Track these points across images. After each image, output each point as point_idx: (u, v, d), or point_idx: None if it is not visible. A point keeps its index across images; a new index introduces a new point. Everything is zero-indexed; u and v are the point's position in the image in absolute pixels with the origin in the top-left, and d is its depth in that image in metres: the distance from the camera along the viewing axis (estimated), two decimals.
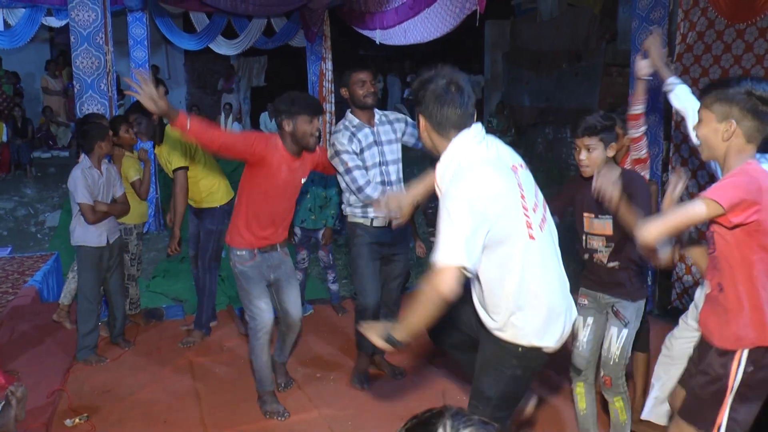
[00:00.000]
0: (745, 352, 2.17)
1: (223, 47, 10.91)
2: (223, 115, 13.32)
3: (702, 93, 2.27)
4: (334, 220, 5.06)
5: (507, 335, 2.24)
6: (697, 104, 2.37)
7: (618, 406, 3.06)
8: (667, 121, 5.30)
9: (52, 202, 9.29)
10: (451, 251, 2.03)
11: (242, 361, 4.31)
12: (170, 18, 10.20)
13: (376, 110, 3.83)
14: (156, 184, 8.55)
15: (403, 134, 3.89)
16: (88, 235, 4.30)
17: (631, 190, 2.65)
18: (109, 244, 4.39)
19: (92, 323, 4.36)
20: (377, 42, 7.96)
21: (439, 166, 2.22)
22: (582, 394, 3.15)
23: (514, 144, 11.75)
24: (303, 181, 3.56)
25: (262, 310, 3.55)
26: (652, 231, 2.13)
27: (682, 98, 3.10)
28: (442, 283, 2.03)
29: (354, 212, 3.80)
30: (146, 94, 3.03)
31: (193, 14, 10.21)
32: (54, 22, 9.92)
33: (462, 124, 2.19)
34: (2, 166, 10.69)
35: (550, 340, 2.26)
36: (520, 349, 2.24)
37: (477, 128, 2.21)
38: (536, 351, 2.25)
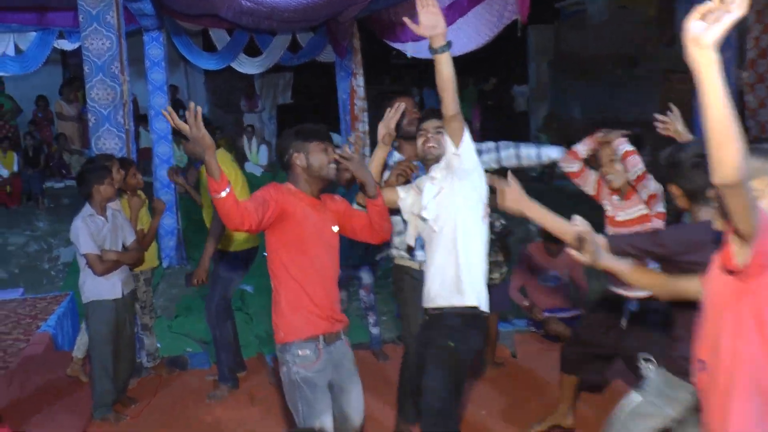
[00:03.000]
0: None
1: (245, 66, 10.89)
2: (245, 138, 13.28)
3: None
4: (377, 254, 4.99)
5: None
6: None
7: None
8: None
9: (67, 236, 9.25)
10: None
11: (275, 414, 4.21)
12: (188, 36, 10.27)
13: None
14: (177, 215, 8.55)
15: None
16: (100, 287, 4.21)
17: None
18: (123, 296, 4.31)
19: (109, 383, 4.26)
20: (408, 56, 7.93)
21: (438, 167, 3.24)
22: None
23: None
24: (335, 230, 3.13)
25: None
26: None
27: None
28: None
29: (401, 254, 3.76)
30: (192, 133, 2.65)
31: (212, 31, 10.28)
32: (66, 45, 10.04)
33: None
34: (13, 197, 10.68)
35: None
36: None
37: None
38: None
